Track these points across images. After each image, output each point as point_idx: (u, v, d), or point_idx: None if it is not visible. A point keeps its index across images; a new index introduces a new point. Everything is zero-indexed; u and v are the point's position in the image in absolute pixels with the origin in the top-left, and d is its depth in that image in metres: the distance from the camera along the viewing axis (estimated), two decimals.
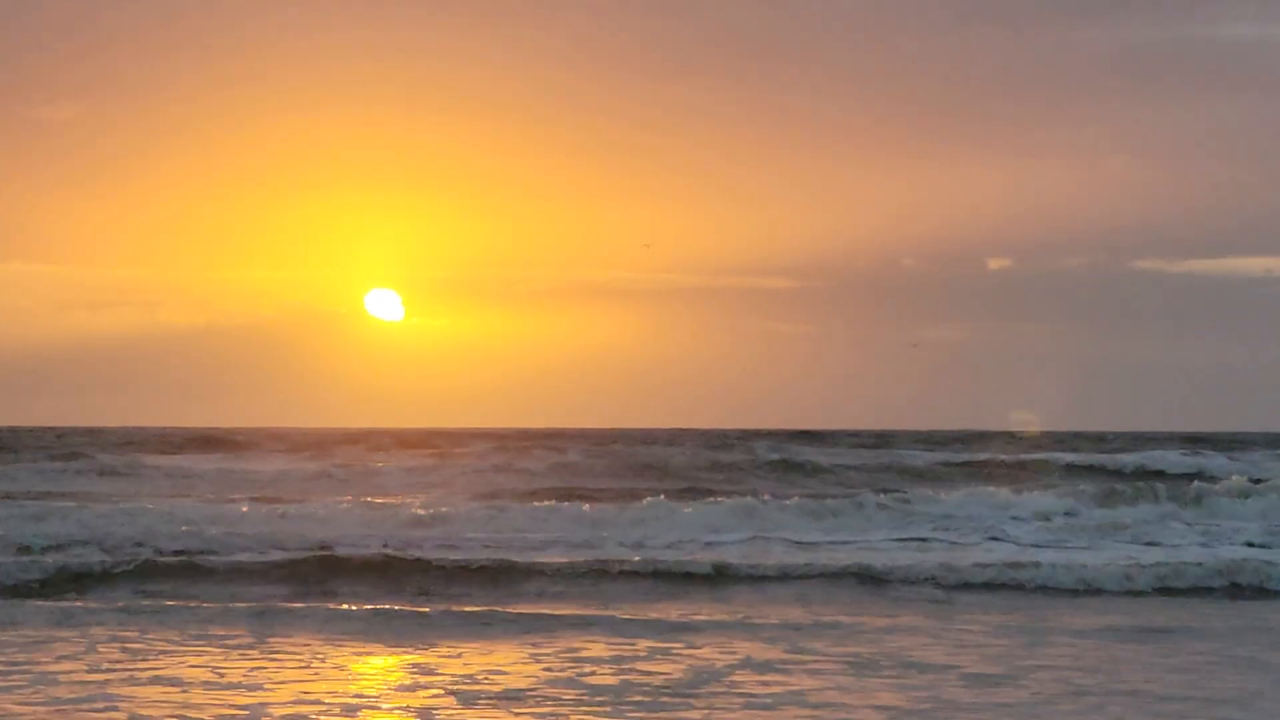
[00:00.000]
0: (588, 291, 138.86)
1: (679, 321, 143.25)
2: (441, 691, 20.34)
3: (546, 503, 52.82)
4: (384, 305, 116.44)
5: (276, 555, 37.18)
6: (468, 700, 19.64)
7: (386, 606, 29.98)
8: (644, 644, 24.53)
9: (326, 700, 19.44)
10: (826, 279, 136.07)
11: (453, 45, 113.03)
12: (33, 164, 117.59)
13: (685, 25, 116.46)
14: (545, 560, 36.64)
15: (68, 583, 32.85)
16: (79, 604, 29.41)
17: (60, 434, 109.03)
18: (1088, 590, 33.58)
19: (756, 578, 34.71)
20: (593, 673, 21.71)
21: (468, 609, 29.50)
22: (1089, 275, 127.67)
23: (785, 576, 34.62)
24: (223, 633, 25.10)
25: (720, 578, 34.62)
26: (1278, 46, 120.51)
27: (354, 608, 29.82)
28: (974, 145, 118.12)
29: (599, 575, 34.81)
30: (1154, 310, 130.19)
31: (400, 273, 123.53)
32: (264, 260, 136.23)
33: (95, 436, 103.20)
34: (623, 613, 28.82)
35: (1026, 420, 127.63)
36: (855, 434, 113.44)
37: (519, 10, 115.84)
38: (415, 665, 22.73)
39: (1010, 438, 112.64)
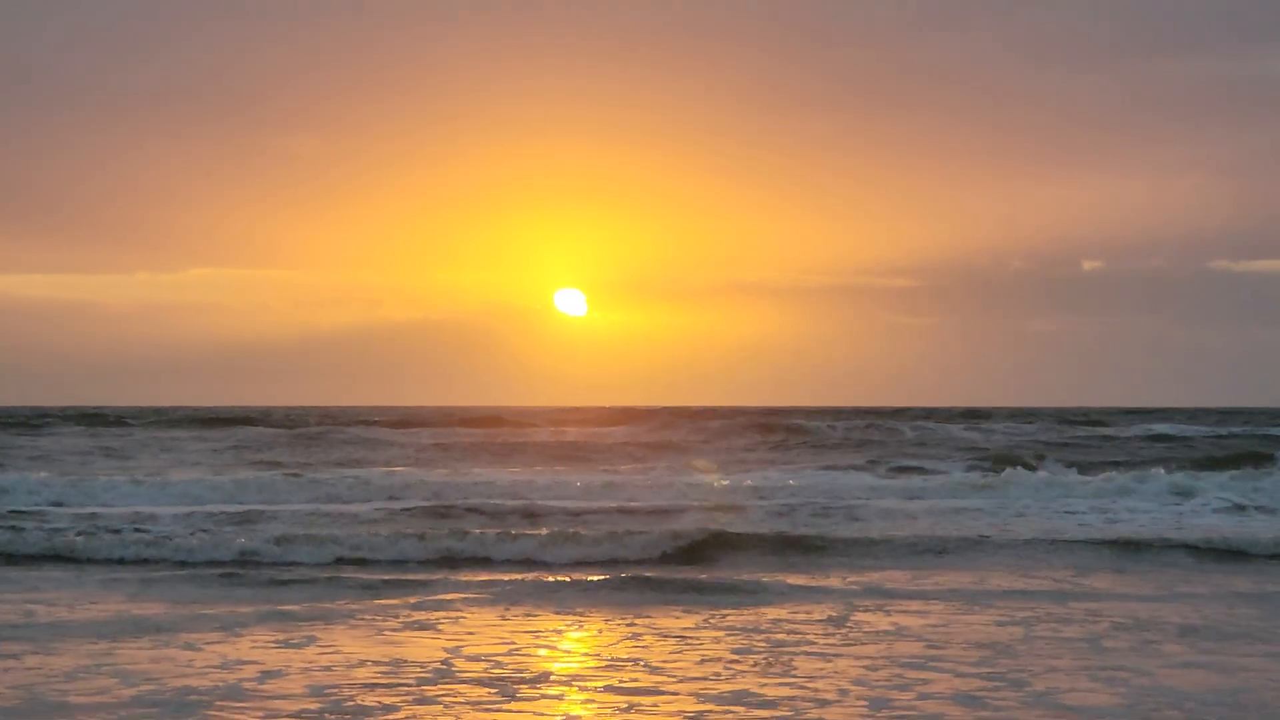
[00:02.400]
0: (741, 289, 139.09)
1: (817, 314, 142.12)
2: None
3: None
4: (570, 302, 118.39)
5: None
6: None
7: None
8: None
9: None
10: (944, 278, 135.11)
11: (628, 87, 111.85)
12: (279, 188, 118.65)
13: (818, 66, 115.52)
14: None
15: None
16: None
17: (306, 413, 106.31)
18: None
19: None
20: None
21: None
22: (1168, 273, 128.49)
23: None
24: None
25: None
26: None
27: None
28: (1070, 165, 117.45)
29: None
30: (1224, 302, 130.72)
31: (584, 274, 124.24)
32: (469, 264, 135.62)
33: (345, 414, 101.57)
34: None
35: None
36: (1018, 410, 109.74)
37: (681, 58, 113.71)
38: None
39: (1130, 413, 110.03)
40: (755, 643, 16.70)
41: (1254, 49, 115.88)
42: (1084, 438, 70.16)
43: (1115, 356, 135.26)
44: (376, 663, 15.23)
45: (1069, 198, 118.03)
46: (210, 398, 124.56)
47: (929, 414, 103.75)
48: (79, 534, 29.34)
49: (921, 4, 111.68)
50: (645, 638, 17.34)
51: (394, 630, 17.86)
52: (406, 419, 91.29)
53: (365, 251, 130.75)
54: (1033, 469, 47.60)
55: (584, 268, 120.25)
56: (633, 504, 36.68)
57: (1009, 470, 45.96)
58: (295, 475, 44.69)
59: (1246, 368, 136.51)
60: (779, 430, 71.66)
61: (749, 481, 43.97)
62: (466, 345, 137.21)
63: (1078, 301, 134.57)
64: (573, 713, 13.03)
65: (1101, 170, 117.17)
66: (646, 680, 14.41)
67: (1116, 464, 52.05)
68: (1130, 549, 27.87)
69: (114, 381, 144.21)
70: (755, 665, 15.09)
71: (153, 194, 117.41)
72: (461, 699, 13.40)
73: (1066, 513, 36.07)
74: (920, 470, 51.37)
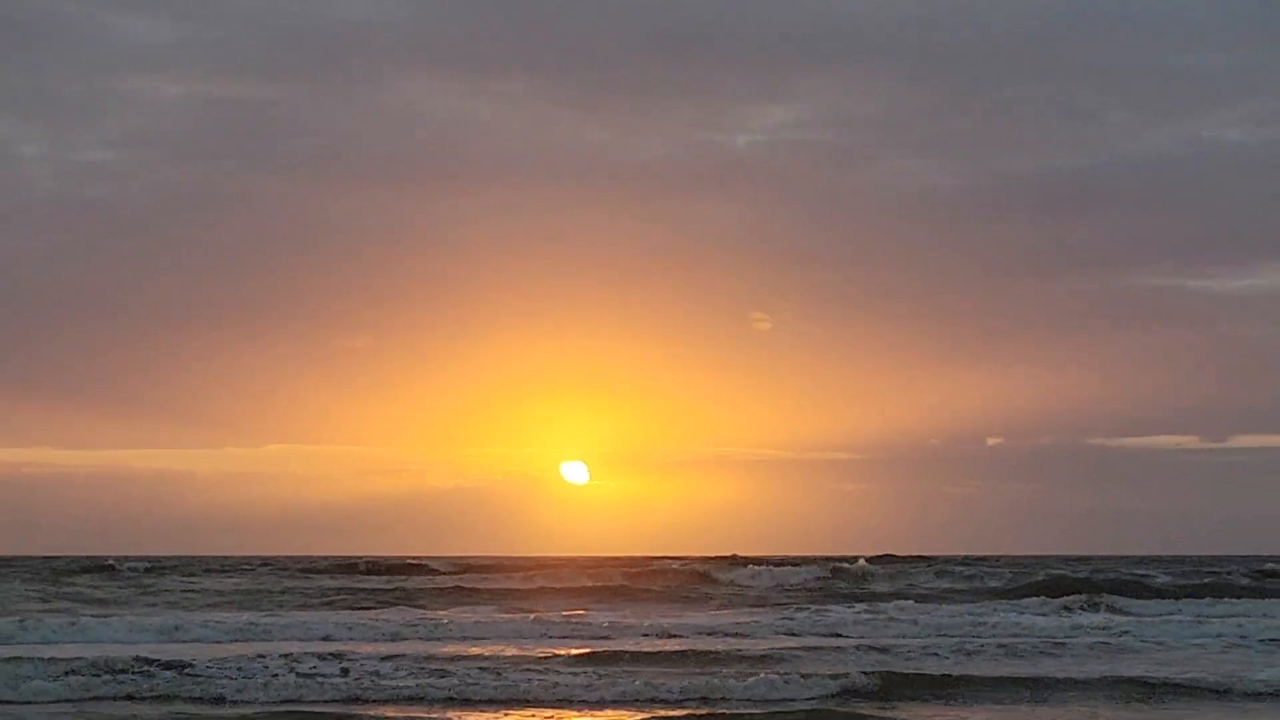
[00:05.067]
0: (714, 462, 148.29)
1: (774, 482, 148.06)
2: None
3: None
4: (575, 472, 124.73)
5: None
6: None
7: None
8: None
9: None
10: (877, 453, 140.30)
11: (626, 296, 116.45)
12: (339, 379, 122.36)
13: (785, 284, 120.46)
14: None
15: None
16: None
17: (363, 560, 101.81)
18: None
19: None
20: None
21: None
22: (1056, 448, 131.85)
23: None
24: None
25: None
26: (1184, 292, 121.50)
27: None
28: (978, 362, 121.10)
29: None
30: (1101, 473, 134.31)
31: (586, 450, 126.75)
32: (494, 440, 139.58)
33: (400, 562, 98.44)
34: None
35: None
36: (930, 559, 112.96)
37: (675, 274, 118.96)
38: None
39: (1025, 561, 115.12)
40: None
41: (1131, 266, 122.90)
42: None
43: (1013, 515, 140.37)
44: None
45: (976, 389, 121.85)
46: (282, 548, 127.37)
47: (874, 559, 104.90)
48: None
49: (863, 236, 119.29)
50: None
51: None
52: (465, 566, 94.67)
53: (410, 430, 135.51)
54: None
55: (587, 444, 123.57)
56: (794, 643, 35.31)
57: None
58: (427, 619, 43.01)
59: (1119, 523, 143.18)
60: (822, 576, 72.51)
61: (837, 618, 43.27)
62: (493, 507, 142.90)
63: (984, 471, 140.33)
64: None
65: (1003, 366, 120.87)
66: None
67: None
68: None
69: (205, 535, 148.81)
70: None
71: (238, 386, 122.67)
72: None
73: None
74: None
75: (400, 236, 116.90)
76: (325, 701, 24.85)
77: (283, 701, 24.77)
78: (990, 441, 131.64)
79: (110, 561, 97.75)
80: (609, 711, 23.83)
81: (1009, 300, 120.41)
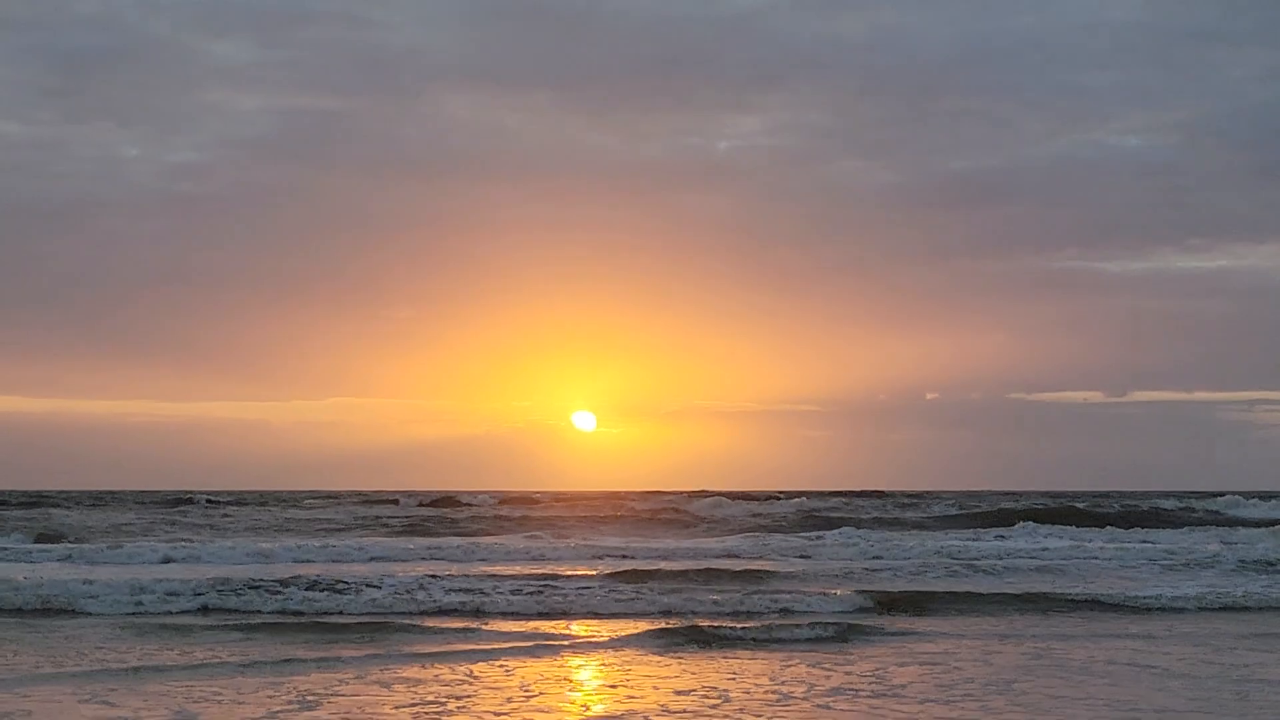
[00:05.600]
0: (700, 412, 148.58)
1: (752, 430, 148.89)
2: None
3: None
4: (585, 421, 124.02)
5: None
6: None
7: None
8: None
9: None
10: (835, 406, 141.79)
11: (628, 265, 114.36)
12: (386, 342, 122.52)
13: (759, 260, 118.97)
14: None
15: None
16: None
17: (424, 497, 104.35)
18: None
19: None
20: None
21: None
22: (983, 402, 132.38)
23: None
24: None
25: None
26: (1089, 272, 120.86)
27: None
28: (918, 330, 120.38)
29: None
30: (1020, 423, 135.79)
31: (594, 401, 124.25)
32: (516, 394, 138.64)
33: (467, 497, 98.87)
34: None
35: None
36: (881, 493, 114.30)
37: (670, 251, 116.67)
38: None
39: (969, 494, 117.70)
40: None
41: (1042, 250, 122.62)
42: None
43: (947, 457, 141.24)
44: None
45: (917, 350, 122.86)
46: (341, 484, 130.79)
47: (833, 494, 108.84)
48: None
49: (822, 217, 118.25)
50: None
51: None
52: (493, 499, 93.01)
53: (447, 385, 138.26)
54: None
55: (594, 397, 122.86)
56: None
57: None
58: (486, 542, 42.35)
59: (1036, 464, 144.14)
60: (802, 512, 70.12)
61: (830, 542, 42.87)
62: (515, 450, 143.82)
63: (923, 420, 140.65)
64: None
65: (939, 332, 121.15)
66: None
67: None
68: None
69: (277, 474, 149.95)
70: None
71: (304, 348, 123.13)
72: None
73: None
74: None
75: (439, 223, 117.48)
76: (369, 614, 24.34)
77: (329, 613, 24.34)
78: (928, 396, 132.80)
79: (198, 496, 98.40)
80: (613, 622, 23.23)
81: (942, 277, 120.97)
